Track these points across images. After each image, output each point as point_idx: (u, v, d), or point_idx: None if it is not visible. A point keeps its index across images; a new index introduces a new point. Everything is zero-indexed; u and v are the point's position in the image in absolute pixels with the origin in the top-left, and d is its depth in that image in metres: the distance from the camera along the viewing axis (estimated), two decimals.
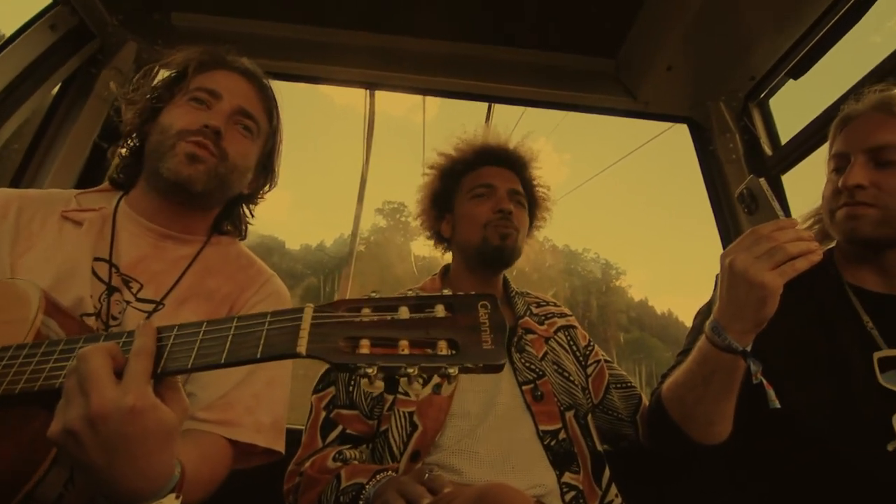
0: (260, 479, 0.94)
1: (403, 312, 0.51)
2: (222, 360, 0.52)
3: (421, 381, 0.48)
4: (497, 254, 1.24)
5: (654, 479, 1.23)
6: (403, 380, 0.48)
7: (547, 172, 1.42)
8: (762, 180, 0.90)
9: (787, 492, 0.97)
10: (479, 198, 1.29)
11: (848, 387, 0.93)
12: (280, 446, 0.87)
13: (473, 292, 0.53)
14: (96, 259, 0.86)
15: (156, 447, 0.50)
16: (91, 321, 0.80)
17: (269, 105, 1.03)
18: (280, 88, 1.09)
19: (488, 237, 1.24)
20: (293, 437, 0.99)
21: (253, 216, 1.11)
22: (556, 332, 1.27)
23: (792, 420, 0.93)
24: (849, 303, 1.02)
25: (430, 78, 1.80)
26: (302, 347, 0.50)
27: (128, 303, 0.85)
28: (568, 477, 1.03)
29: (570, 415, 1.12)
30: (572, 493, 1.02)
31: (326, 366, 0.59)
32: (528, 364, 1.16)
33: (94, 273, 0.85)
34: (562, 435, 1.08)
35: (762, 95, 1.71)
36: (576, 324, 1.34)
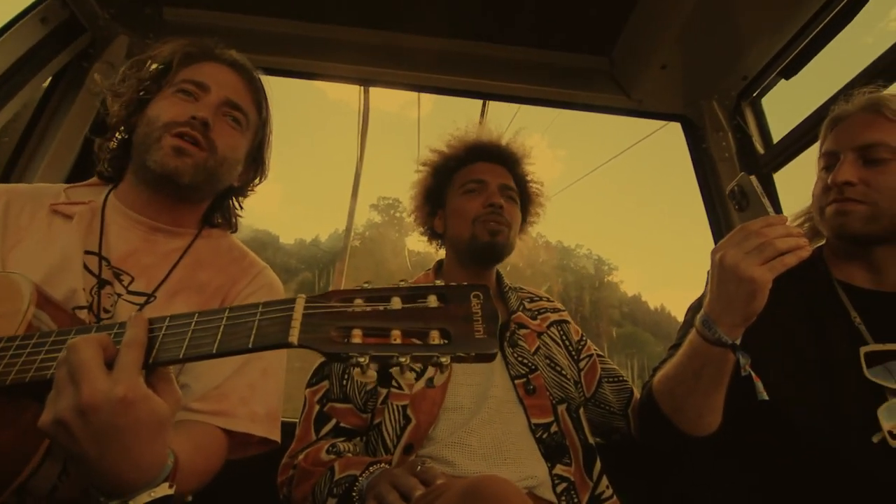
0: (254, 472, 0.94)
1: (396, 303, 0.51)
2: (214, 350, 0.52)
3: (413, 371, 0.48)
4: (487, 249, 1.25)
5: (645, 471, 1.24)
6: (396, 370, 0.48)
7: (541, 168, 1.43)
8: (753, 178, 0.91)
9: (777, 483, 0.98)
10: (471, 193, 1.30)
11: (835, 381, 0.95)
12: (276, 436, 0.87)
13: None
14: (87, 252, 0.86)
15: (148, 437, 0.50)
16: (83, 314, 0.80)
17: (258, 97, 1.02)
18: (273, 83, 1.08)
19: (477, 233, 1.24)
20: (287, 430, 0.99)
21: (243, 209, 1.10)
22: (548, 327, 1.28)
23: (780, 412, 0.95)
24: (837, 299, 1.04)
25: (424, 74, 1.79)
26: (294, 337, 0.50)
27: (119, 295, 0.85)
28: (560, 469, 1.04)
29: (562, 408, 1.13)
30: (564, 485, 1.03)
31: (321, 358, 0.59)
32: (520, 358, 1.17)
33: (85, 266, 0.84)
34: (553, 428, 1.09)
35: (755, 95, 1.72)
36: (568, 319, 1.34)
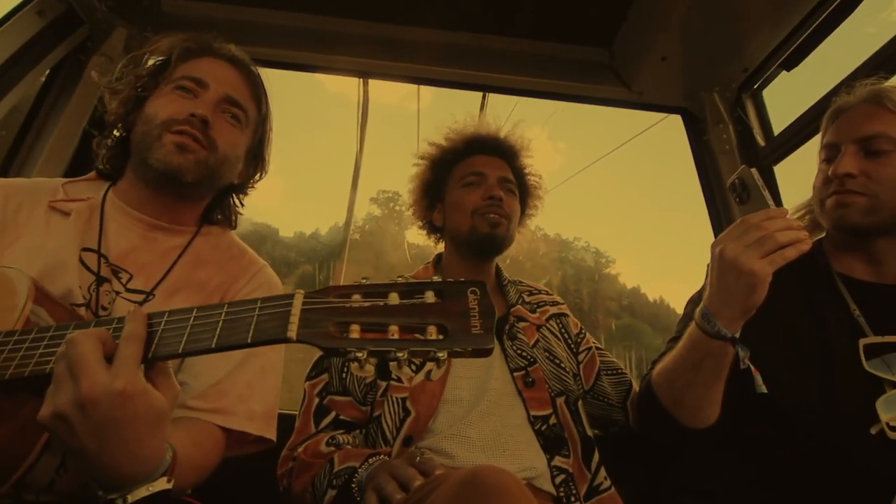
0: (254, 464, 0.95)
1: (393, 298, 0.51)
2: (213, 345, 0.52)
3: (412, 365, 0.49)
4: (487, 241, 1.25)
5: (644, 463, 1.25)
6: (393, 364, 0.49)
7: (541, 160, 1.43)
8: (753, 170, 0.90)
9: (776, 475, 0.99)
10: (470, 186, 1.29)
11: (834, 373, 0.95)
12: (271, 434, 0.88)
13: (464, 279, 0.53)
14: (85, 249, 0.85)
15: (146, 431, 0.51)
16: (81, 311, 0.79)
17: (258, 93, 1.01)
18: (272, 75, 1.07)
19: (476, 225, 1.24)
20: (287, 423, 0.99)
21: (243, 206, 1.10)
22: (547, 320, 1.29)
23: (779, 405, 0.95)
24: (837, 291, 1.04)
25: (424, 67, 1.78)
26: (292, 332, 0.50)
27: (117, 293, 0.84)
28: (558, 461, 1.05)
29: (560, 401, 1.14)
30: (562, 476, 1.04)
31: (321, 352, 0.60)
32: (519, 351, 1.17)
33: (83, 263, 0.84)
34: (552, 420, 1.09)
35: (755, 86, 1.71)
36: (567, 312, 1.35)
